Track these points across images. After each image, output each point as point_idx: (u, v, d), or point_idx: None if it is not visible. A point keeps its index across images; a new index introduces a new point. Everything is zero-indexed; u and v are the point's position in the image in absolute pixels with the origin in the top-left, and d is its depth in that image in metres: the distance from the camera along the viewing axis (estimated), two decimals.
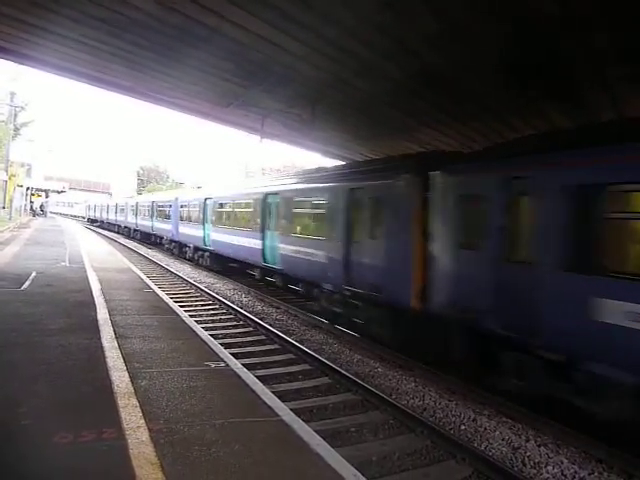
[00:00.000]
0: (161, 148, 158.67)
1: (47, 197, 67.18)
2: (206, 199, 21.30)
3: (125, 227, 44.82)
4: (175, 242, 27.00)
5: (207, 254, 21.34)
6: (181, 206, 25.44)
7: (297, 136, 16.87)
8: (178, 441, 4.09)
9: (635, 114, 10.29)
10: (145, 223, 34.47)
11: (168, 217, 28.12)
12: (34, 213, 61.35)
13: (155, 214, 31.63)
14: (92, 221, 65.07)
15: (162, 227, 29.70)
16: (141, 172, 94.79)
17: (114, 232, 48.69)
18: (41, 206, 65.40)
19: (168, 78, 12.15)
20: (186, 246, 24.78)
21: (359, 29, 8.26)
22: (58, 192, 67.26)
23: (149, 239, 34.92)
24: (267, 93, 12.08)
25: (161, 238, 30.75)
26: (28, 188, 55.13)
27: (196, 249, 23.04)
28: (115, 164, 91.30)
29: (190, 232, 23.43)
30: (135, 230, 39.72)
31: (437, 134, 14.39)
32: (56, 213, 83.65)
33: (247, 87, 11.88)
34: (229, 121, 16.49)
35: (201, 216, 21.56)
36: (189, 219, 23.97)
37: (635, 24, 6.91)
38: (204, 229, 20.98)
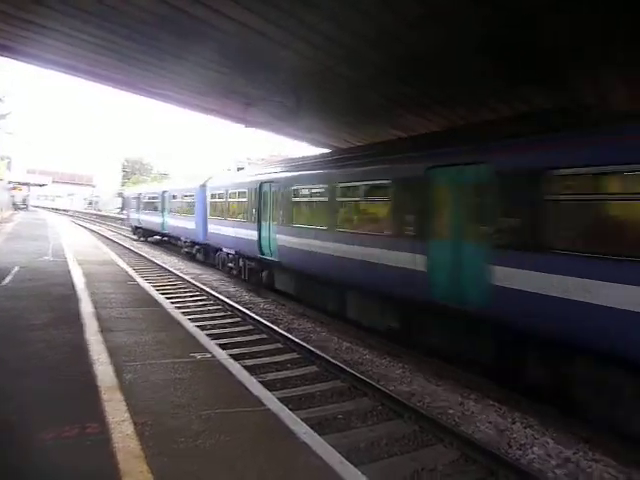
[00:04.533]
0: (145, 139, 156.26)
1: (29, 190, 66.13)
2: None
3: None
4: None
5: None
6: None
7: (281, 124, 16.72)
8: (164, 433, 4.06)
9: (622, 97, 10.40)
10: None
11: None
12: (16, 207, 60.44)
13: None
14: (146, 233, 31.81)
15: None
16: (126, 164, 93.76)
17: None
18: (23, 200, 64.46)
19: (154, 69, 11.97)
20: None
21: (341, 15, 8.15)
22: (40, 185, 66.24)
23: None
24: (251, 82, 11.94)
25: None
26: (9, 182, 54.17)
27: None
28: (98, 156, 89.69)
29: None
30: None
31: (421, 120, 14.33)
32: (39, 207, 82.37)
33: (231, 76, 11.73)
34: (213, 110, 16.29)
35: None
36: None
37: (615, 5, 6.89)
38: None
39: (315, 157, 14.34)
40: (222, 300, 13.23)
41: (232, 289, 15.88)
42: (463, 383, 7.71)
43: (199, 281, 16.54)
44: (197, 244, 21.62)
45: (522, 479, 5.04)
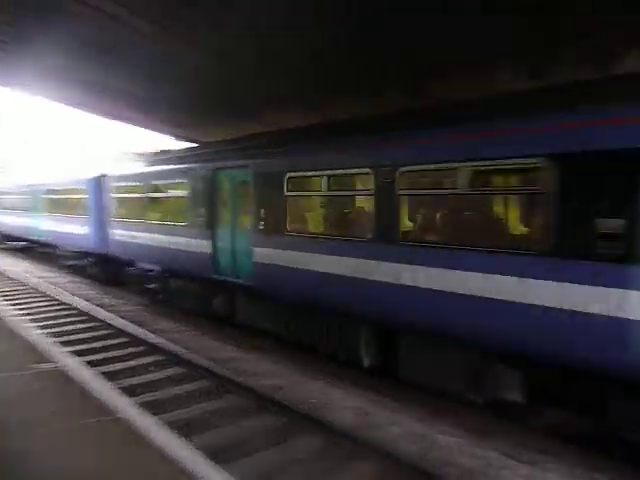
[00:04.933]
0: None
1: None
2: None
3: None
4: None
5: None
6: None
7: (144, 118, 16.01)
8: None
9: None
10: None
11: None
12: None
13: None
14: (9, 238, 26.69)
15: None
16: None
17: None
18: None
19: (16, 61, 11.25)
20: None
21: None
22: None
23: None
24: (112, 74, 11.25)
25: None
26: None
27: None
28: None
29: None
30: None
31: (281, 115, 14.41)
32: None
33: (88, 66, 10.97)
34: (78, 104, 15.14)
35: None
36: None
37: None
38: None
39: (328, 126, 9.63)
40: (77, 306, 12.28)
41: (92, 292, 14.80)
42: (329, 372, 7.94)
43: (54, 285, 15.18)
44: (91, 255, 16.80)
45: (381, 456, 5.33)
